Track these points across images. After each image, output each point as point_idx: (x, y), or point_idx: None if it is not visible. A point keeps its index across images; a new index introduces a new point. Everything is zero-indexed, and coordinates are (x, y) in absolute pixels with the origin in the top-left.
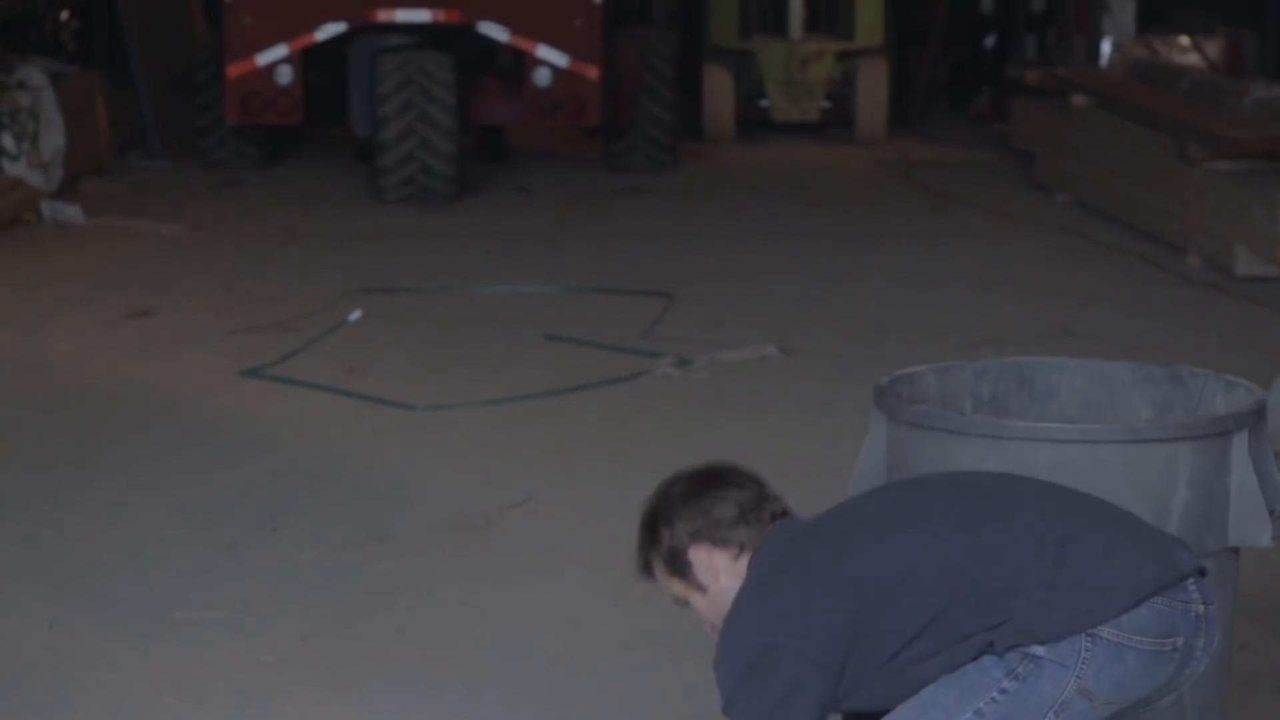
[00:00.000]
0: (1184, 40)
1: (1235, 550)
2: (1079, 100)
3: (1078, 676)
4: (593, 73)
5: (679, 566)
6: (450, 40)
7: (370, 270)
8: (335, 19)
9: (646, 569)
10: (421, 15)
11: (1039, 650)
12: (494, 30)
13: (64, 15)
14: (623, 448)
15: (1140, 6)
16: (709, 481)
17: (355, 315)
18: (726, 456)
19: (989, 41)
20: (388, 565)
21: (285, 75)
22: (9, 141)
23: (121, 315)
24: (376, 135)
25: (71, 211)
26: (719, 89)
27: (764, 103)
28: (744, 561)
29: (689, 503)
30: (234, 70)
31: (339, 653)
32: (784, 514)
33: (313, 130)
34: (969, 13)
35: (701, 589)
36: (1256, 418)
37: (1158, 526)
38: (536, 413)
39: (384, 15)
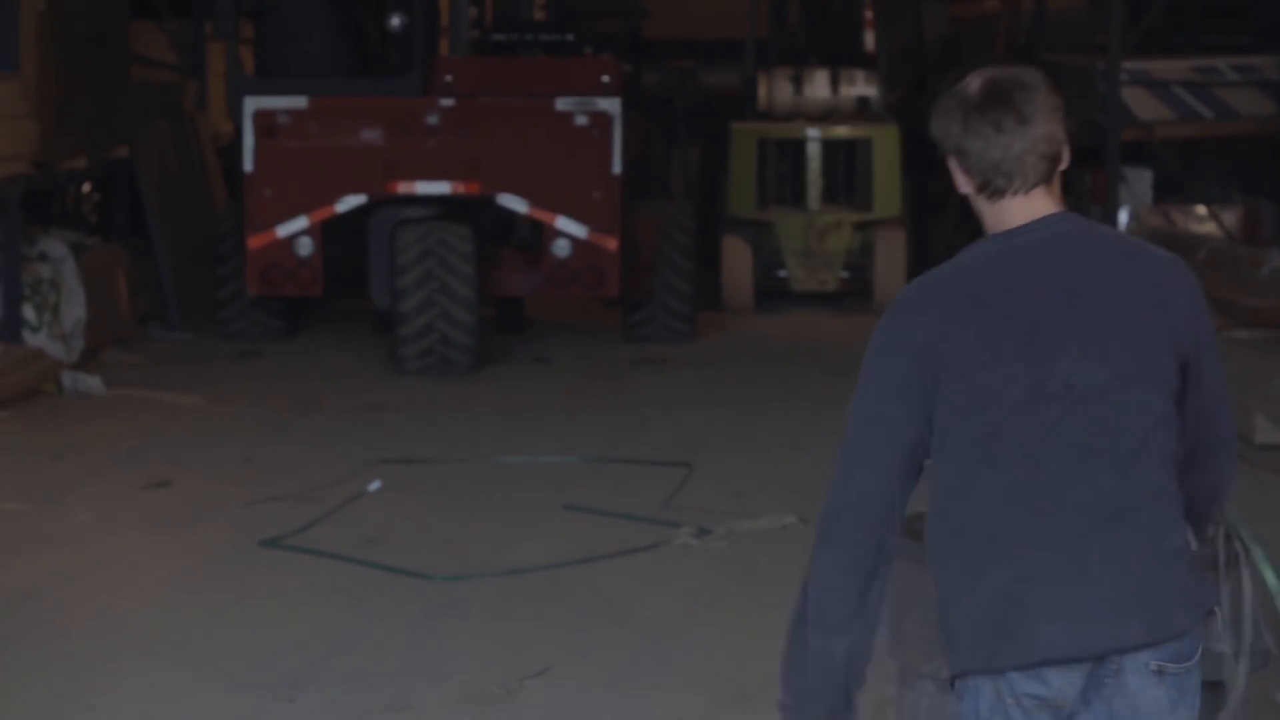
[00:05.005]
0: (1201, 210)
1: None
2: None
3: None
4: (612, 244)
5: (943, 160)
6: (470, 212)
7: (389, 441)
8: (355, 191)
9: None
10: (441, 187)
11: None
12: (513, 202)
13: (85, 187)
14: (642, 618)
15: (1157, 177)
16: (983, 107)
17: (375, 485)
18: (752, 616)
19: None
20: None
21: (305, 247)
22: (30, 313)
23: (141, 486)
24: (396, 306)
25: (92, 382)
26: (737, 259)
27: (782, 273)
28: (981, 197)
29: (953, 118)
30: (254, 242)
31: None
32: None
33: (332, 301)
34: None
35: (959, 185)
36: None
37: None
38: (556, 583)
39: (404, 187)
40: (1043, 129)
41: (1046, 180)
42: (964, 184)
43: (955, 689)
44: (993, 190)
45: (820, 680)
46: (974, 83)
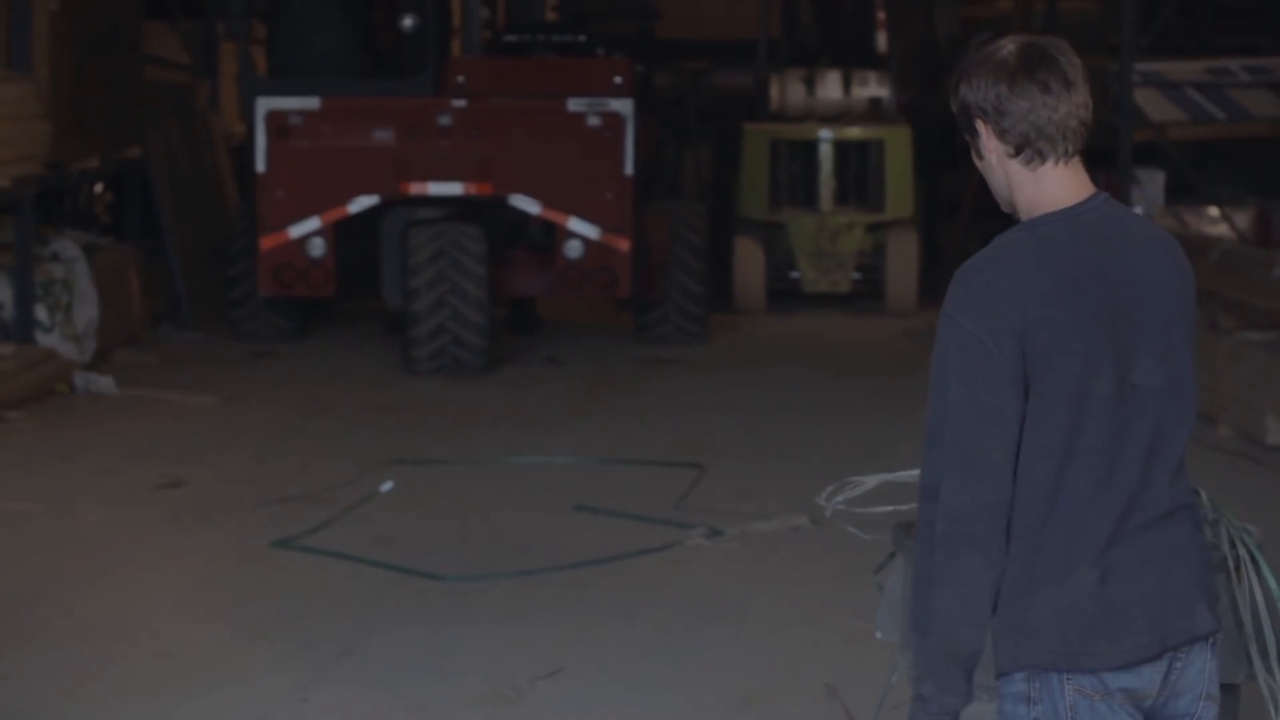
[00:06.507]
0: (1213, 211)
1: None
2: None
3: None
4: (624, 245)
5: (966, 125)
6: (482, 212)
7: (401, 441)
8: (368, 192)
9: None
10: (453, 188)
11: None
12: (525, 203)
13: (98, 188)
14: (654, 619)
15: (1169, 178)
16: (1029, 67)
17: (386, 486)
18: (763, 618)
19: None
20: None
21: (318, 247)
22: (42, 313)
23: (153, 486)
24: (408, 307)
25: (104, 383)
26: (749, 260)
27: (794, 274)
28: (1016, 165)
29: (998, 77)
30: (266, 242)
31: None
32: (1069, 156)
33: (344, 302)
34: None
35: (979, 154)
36: None
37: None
38: (567, 584)
39: (416, 188)
40: (1082, 94)
41: (1080, 149)
42: (994, 149)
43: (1020, 689)
44: (1033, 154)
45: (965, 674)
46: (1009, 45)
